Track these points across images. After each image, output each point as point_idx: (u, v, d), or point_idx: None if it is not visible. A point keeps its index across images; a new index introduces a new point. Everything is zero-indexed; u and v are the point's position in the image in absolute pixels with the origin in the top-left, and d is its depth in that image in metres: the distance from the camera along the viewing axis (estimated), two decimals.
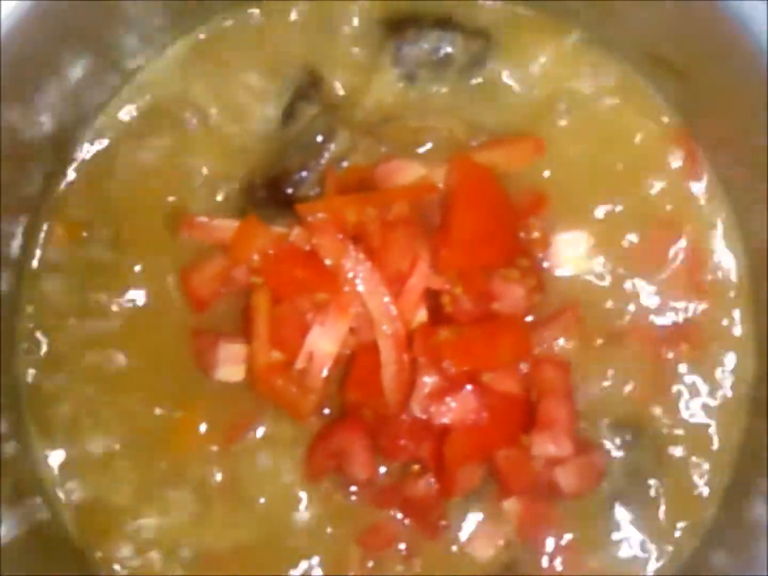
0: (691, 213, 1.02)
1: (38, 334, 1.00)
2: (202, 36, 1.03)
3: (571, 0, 0.99)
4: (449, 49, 1.00)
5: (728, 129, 0.96)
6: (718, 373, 1.00)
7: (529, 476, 0.94)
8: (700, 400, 1.00)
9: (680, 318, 1.00)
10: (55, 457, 1.00)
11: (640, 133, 1.02)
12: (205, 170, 1.02)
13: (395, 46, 1.01)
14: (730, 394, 1.00)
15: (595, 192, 1.01)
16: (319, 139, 0.99)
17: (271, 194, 0.99)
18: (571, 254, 1.00)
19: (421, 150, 1.00)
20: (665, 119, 1.02)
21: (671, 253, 1.01)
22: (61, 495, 1.00)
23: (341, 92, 1.02)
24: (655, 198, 1.01)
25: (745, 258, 1.01)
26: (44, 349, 1.01)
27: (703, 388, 1.00)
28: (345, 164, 0.99)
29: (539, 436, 0.93)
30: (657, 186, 1.02)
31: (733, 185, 1.00)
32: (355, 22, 1.02)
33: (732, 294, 1.01)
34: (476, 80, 1.02)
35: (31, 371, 1.00)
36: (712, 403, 1.00)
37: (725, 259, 1.01)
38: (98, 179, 1.02)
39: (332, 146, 0.99)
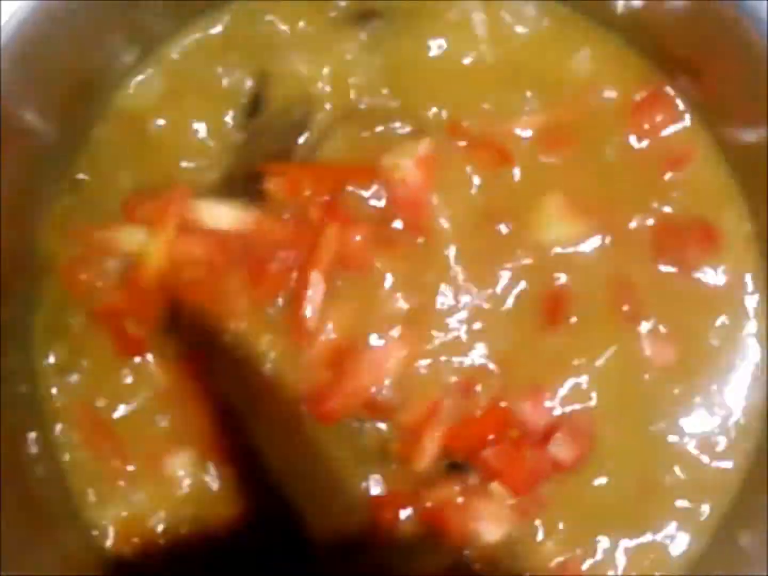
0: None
1: None
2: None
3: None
4: None
5: (743, 125, 0.95)
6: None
7: (524, 466, 0.93)
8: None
9: None
10: None
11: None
12: (182, 165, 1.01)
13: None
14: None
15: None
16: (294, 125, 0.99)
17: (250, 187, 0.98)
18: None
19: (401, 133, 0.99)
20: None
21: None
22: None
23: (317, 82, 1.00)
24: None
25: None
26: None
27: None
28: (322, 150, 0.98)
29: None
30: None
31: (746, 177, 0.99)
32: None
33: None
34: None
35: None
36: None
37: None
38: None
39: (307, 133, 0.99)
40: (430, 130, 0.97)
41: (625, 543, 0.96)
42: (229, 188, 1.00)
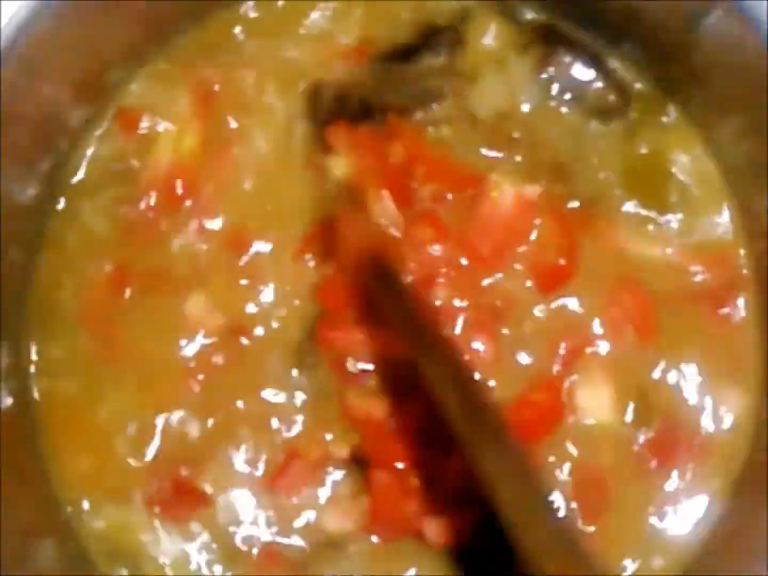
0: None
1: None
2: None
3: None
4: (596, 86, 0.99)
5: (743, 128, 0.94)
6: None
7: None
8: None
9: None
10: None
11: None
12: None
13: (544, 58, 0.99)
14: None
15: None
16: (425, 95, 0.98)
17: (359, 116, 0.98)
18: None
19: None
20: None
21: None
22: None
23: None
24: None
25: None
26: None
27: None
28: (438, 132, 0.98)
29: None
30: None
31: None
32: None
33: None
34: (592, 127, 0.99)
35: None
36: None
37: None
38: None
39: (434, 106, 0.98)
40: (542, 181, 0.96)
41: None
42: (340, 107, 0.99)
